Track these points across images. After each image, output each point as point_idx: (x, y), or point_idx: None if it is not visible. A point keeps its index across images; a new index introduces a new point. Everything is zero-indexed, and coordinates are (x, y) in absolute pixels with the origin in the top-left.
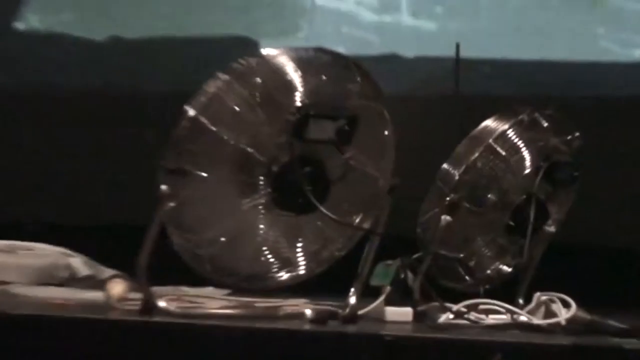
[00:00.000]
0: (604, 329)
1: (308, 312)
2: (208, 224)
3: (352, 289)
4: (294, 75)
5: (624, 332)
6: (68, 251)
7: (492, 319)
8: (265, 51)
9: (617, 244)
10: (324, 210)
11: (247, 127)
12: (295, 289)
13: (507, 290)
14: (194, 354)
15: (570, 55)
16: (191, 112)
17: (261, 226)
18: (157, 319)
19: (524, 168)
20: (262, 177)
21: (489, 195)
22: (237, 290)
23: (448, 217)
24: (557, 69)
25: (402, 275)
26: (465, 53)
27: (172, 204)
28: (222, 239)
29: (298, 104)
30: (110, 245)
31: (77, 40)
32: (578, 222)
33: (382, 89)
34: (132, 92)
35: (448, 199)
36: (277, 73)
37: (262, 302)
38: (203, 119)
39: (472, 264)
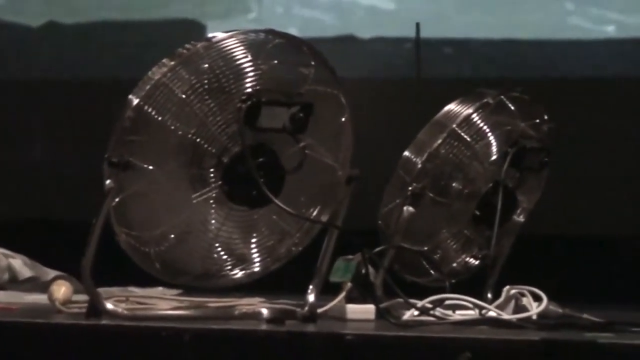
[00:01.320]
0: (577, 323)
1: (264, 311)
2: (156, 220)
3: (311, 286)
4: (244, 60)
5: (598, 325)
6: (8, 252)
7: (459, 315)
8: (212, 34)
9: (589, 232)
10: (279, 203)
11: (195, 116)
12: (251, 287)
13: (474, 284)
14: (144, 358)
15: (537, 33)
16: (135, 101)
17: (213, 221)
18: (104, 322)
19: (491, 154)
20: (212, 169)
21: (454, 184)
22: (188, 290)
23: (411, 208)
24: (524, 49)
25: (364, 271)
26: (425, 33)
27: (117, 199)
28: (172, 235)
29: (248, 90)
30: (53, 243)
31: (11, 26)
32: (549, 210)
33: (338, 73)
34: (70, 79)
35: (410, 188)
36: (226, 58)
37: (215, 302)
38: (148, 108)
39: (437, 257)
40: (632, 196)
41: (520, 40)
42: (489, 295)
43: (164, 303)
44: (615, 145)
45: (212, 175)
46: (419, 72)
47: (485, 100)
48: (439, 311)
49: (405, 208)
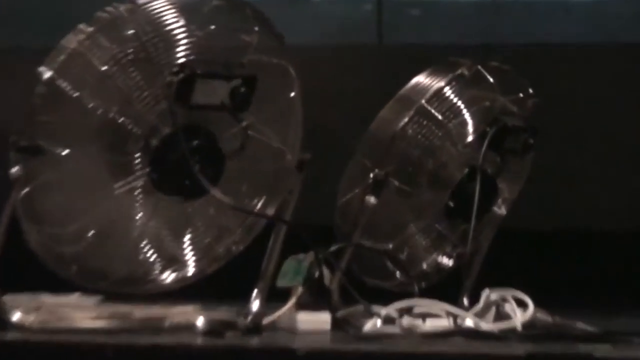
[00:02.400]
0: (569, 333)
1: (200, 322)
2: (72, 214)
3: (255, 292)
4: (176, 25)
5: (593, 336)
6: None
7: (430, 325)
8: None
9: (584, 226)
10: (217, 194)
11: (118, 91)
12: (184, 293)
13: (448, 288)
14: None
15: None
16: (47, 74)
17: (139, 215)
18: (10, 336)
19: (466, 135)
20: (138, 154)
21: (423, 170)
22: (110, 297)
23: (372, 199)
24: (503, 10)
25: (317, 273)
26: None
27: (26, 190)
28: (90, 232)
29: (181, 60)
30: None
31: None
32: (534, 200)
33: (287, 40)
34: None
35: (372, 175)
36: (154, 23)
37: (142, 311)
38: (62, 83)
39: (404, 256)
40: (634, 186)
41: (498, 1)
42: (465, 301)
43: (81, 313)
44: (613, 123)
45: (137, 161)
46: (381, 38)
47: (459, 71)
48: (406, 320)
49: (366, 198)
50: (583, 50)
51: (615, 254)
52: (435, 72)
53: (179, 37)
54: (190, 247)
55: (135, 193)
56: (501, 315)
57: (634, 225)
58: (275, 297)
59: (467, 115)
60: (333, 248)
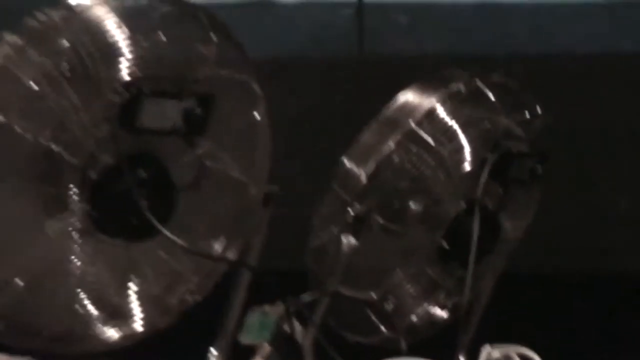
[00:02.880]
0: None
1: None
2: None
3: (213, 351)
4: (119, 35)
5: None
6: None
7: None
8: (74, 0)
9: (600, 269)
10: (169, 234)
11: (51, 114)
12: (131, 352)
13: (442, 344)
14: None
15: None
16: None
17: (76, 260)
18: None
19: (463, 163)
20: (75, 188)
21: (412, 205)
22: (43, 358)
23: (352, 239)
24: (506, 15)
25: (287, 328)
26: None
27: None
28: (18, 281)
29: (125, 77)
30: None
31: None
32: (543, 240)
33: (251, 52)
34: None
35: (351, 211)
36: (93, 32)
37: None
38: None
39: (389, 307)
40: None
41: (501, 4)
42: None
43: None
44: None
45: (74, 195)
46: (362, 48)
47: (454, 86)
48: None
49: (344, 239)
50: (602, 59)
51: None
52: (426, 88)
53: (123, 49)
54: (137, 298)
55: (72, 234)
56: None
57: None
58: (238, 356)
59: (463, 140)
60: (306, 298)
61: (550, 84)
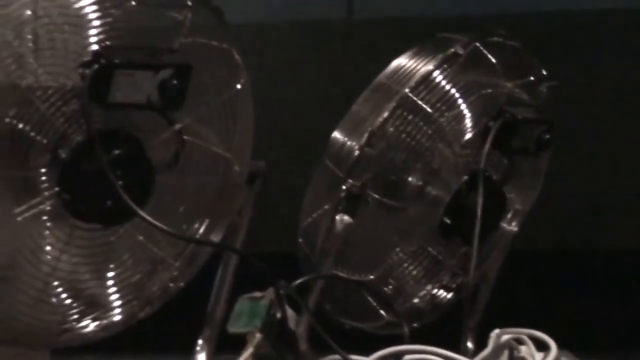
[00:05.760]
0: None
1: None
2: None
3: (200, 342)
4: (86, 1)
5: None
6: None
7: None
8: None
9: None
10: (146, 217)
11: (15, 90)
12: (110, 344)
13: (447, 328)
14: None
15: None
16: None
17: (48, 247)
18: None
19: (464, 132)
20: (44, 169)
21: (410, 179)
22: (15, 354)
23: (346, 217)
24: None
25: (278, 315)
26: None
27: None
28: None
29: (94, 47)
30: None
31: None
32: (554, 213)
33: (230, 16)
34: None
35: (345, 187)
36: (58, 0)
37: None
38: None
39: (389, 289)
40: None
41: None
42: (470, 345)
43: None
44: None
45: (44, 178)
46: (352, 10)
47: (452, 49)
48: None
49: (338, 217)
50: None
51: None
52: (422, 52)
53: (90, 17)
54: (115, 286)
55: (43, 219)
56: None
57: None
58: (226, 346)
59: (463, 107)
60: (298, 282)
61: (556, 44)
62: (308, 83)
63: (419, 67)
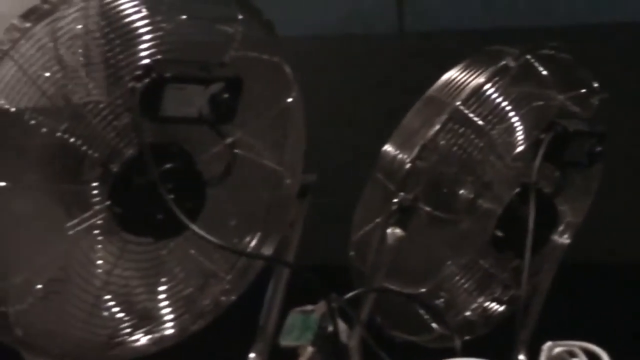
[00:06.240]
0: None
1: None
2: (15, 264)
3: (252, 355)
4: (137, 17)
5: None
6: None
7: None
8: None
9: None
10: (198, 230)
11: (67, 104)
12: (162, 358)
13: (499, 341)
14: None
15: None
16: None
17: (100, 261)
18: None
19: (515, 144)
20: (96, 183)
21: (461, 192)
22: None
23: (398, 230)
24: None
25: (330, 328)
26: None
27: None
28: (38, 286)
29: (145, 61)
30: None
31: None
32: (607, 225)
33: (281, 30)
34: None
35: (396, 200)
36: (109, 14)
37: None
38: None
39: (441, 302)
40: None
41: None
42: (522, 358)
43: None
44: None
45: (95, 192)
46: (402, 24)
47: (502, 62)
48: None
49: (389, 230)
50: None
51: None
52: (473, 65)
53: (141, 31)
54: (167, 300)
55: (95, 233)
56: None
57: None
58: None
59: (515, 120)
60: (350, 295)
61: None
62: (359, 96)
63: (470, 80)
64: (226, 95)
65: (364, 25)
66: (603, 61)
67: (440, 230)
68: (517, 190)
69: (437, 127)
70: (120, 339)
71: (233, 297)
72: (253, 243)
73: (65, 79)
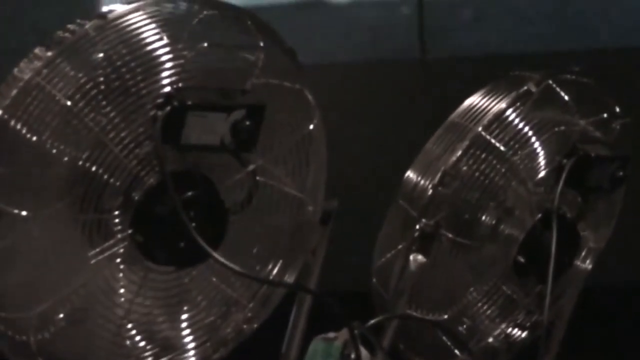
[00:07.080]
0: None
1: None
2: (37, 292)
3: None
4: (158, 45)
5: None
6: None
7: None
8: (108, 8)
9: None
10: (220, 259)
11: (89, 132)
12: None
13: None
14: None
15: None
16: None
17: (122, 290)
18: None
19: (537, 170)
20: (117, 212)
21: (484, 217)
22: None
23: (420, 257)
24: (582, 6)
25: (352, 355)
26: None
27: None
28: (60, 315)
29: (167, 89)
30: None
31: None
32: (628, 249)
33: (303, 57)
34: None
35: (418, 227)
36: (130, 42)
37: None
38: (15, 124)
39: (463, 329)
40: None
41: None
42: None
43: None
44: None
45: (117, 220)
46: (424, 50)
47: (524, 87)
48: None
49: (411, 257)
50: None
51: None
52: (494, 91)
53: (163, 59)
54: (189, 328)
55: (117, 261)
56: None
57: None
58: None
59: (537, 145)
60: (372, 322)
61: (630, 80)
62: (381, 123)
63: (491, 105)
64: (248, 123)
65: (386, 52)
66: (625, 85)
67: (463, 256)
68: (539, 215)
69: (459, 153)
70: None
71: (255, 325)
72: (275, 270)
73: (87, 107)
